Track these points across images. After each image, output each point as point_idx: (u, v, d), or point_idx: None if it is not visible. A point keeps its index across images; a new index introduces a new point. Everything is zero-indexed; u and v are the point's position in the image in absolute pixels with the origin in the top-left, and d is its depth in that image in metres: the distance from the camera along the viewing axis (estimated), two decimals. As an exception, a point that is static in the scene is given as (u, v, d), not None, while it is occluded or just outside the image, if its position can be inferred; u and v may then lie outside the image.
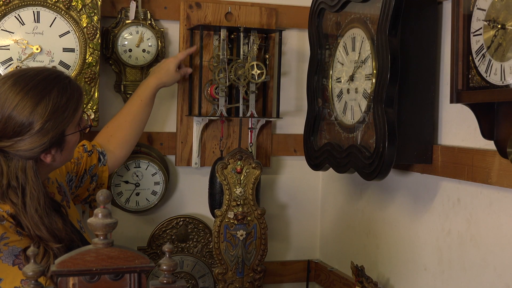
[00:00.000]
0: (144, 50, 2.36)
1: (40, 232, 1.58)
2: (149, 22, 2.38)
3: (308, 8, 2.32)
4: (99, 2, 2.21)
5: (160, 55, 2.40)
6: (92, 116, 2.22)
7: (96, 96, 2.24)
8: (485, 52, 1.55)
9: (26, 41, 2.15)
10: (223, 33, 2.36)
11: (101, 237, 0.96)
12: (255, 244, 2.35)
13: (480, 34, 1.57)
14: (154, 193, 2.42)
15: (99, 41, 2.23)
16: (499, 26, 1.50)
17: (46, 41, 2.16)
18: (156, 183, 2.42)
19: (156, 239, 2.46)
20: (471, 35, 1.60)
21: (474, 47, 1.59)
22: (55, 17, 2.17)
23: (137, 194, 2.41)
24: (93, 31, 2.21)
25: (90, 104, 2.23)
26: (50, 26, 2.17)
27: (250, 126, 2.47)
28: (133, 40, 2.35)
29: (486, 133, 1.61)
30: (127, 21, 2.35)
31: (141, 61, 2.36)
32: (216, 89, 2.38)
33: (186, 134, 2.48)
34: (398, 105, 1.86)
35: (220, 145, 2.48)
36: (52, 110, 1.61)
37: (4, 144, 1.59)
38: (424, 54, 1.90)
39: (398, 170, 2.10)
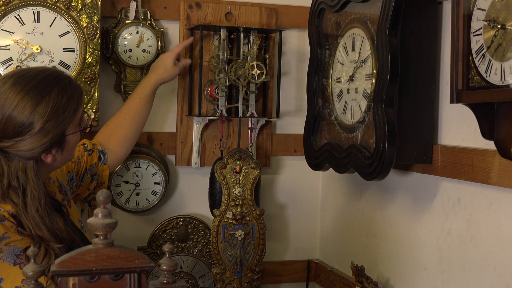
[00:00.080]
0: (144, 50, 2.36)
1: (41, 232, 1.58)
2: (149, 22, 2.38)
3: (308, 8, 2.32)
4: (99, 2, 2.21)
5: (160, 55, 2.40)
6: (92, 116, 2.22)
7: (96, 96, 2.24)
8: (485, 52, 1.55)
9: (26, 41, 2.15)
10: (223, 33, 2.36)
11: (101, 237, 0.96)
12: (254, 245, 2.35)
13: (480, 34, 1.57)
14: (154, 193, 2.42)
15: (99, 41, 2.23)
16: (499, 26, 1.50)
17: (46, 41, 2.16)
18: (156, 183, 2.42)
19: (156, 239, 2.46)
20: (471, 35, 1.60)
21: (474, 47, 1.59)
22: (55, 17, 2.17)
23: (137, 194, 2.41)
24: (93, 31, 2.21)
25: (90, 104, 2.24)
26: (50, 26, 2.17)
27: (250, 126, 2.47)
28: (133, 40, 2.35)
29: (486, 133, 1.61)
30: (127, 21, 2.35)
31: (141, 61, 2.36)
32: (216, 89, 2.38)
33: (186, 134, 2.48)
34: (398, 105, 1.86)
35: (220, 145, 2.48)
36: (53, 110, 1.61)
37: (5, 144, 1.59)
38: (424, 54, 1.90)
39: (398, 170, 2.10)
